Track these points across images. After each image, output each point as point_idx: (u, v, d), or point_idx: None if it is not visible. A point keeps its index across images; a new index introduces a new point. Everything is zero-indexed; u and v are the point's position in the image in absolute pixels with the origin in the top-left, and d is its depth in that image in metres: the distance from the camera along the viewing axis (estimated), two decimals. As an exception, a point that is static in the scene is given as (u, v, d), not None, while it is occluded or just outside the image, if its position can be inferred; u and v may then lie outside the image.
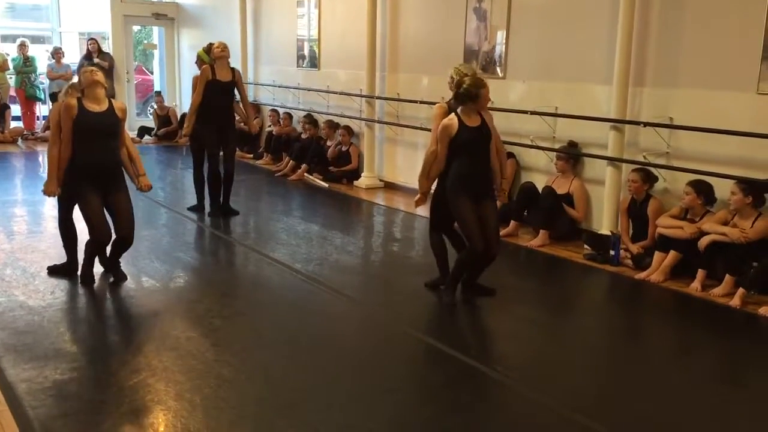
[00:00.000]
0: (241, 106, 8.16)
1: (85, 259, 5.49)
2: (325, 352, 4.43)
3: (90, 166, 5.21)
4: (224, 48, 7.69)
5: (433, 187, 5.35)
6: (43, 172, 5.45)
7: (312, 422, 3.53)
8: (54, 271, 5.66)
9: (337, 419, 3.58)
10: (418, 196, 5.30)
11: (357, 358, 4.41)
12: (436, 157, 5.12)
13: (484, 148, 5.13)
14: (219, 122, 7.66)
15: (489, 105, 5.28)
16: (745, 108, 5.82)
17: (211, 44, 7.91)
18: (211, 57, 7.73)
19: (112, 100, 5.36)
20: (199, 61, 8.05)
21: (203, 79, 7.64)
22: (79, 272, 5.52)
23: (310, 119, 10.79)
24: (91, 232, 5.35)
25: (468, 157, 5.06)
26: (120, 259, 5.58)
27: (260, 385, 3.95)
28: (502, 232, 7.09)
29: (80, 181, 5.25)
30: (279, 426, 3.51)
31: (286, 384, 3.97)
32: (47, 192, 5.35)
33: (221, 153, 7.78)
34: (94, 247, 5.46)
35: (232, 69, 7.79)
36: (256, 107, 12.63)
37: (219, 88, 7.62)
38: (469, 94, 5.00)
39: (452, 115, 5.10)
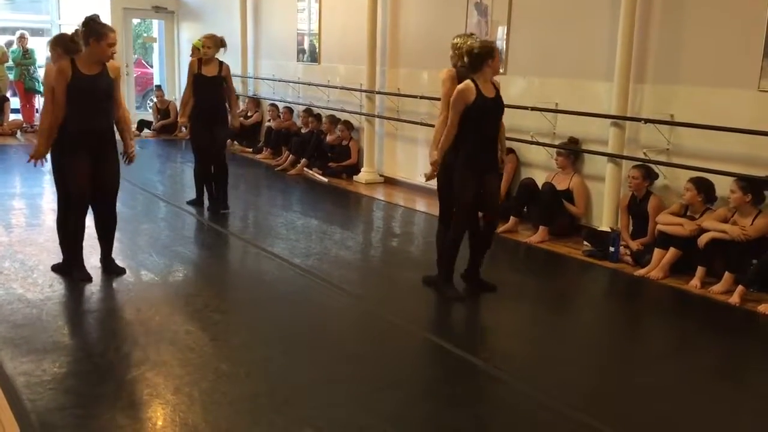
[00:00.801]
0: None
1: (71, 254, 5.36)
2: (323, 348, 4.42)
3: (83, 130, 5.13)
4: (208, 49, 7.56)
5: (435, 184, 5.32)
6: (42, 166, 5.40)
7: (310, 418, 3.52)
8: (57, 270, 5.59)
9: (335, 415, 3.57)
10: (429, 169, 5.19)
11: (356, 353, 4.40)
12: (446, 124, 4.98)
13: (495, 122, 5.04)
14: (207, 116, 7.62)
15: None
16: (746, 105, 5.82)
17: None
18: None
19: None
20: (195, 52, 8.02)
21: (190, 72, 7.68)
22: (74, 274, 5.41)
23: (311, 113, 10.78)
24: (71, 185, 5.20)
25: (479, 131, 4.95)
26: (112, 253, 5.56)
27: (259, 380, 3.94)
28: (502, 228, 7.13)
29: (72, 146, 5.14)
30: (277, 421, 3.50)
31: (284, 379, 3.96)
32: (35, 155, 5.20)
33: (212, 148, 7.70)
34: (76, 211, 5.27)
35: (220, 63, 7.70)
36: (256, 101, 12.62)
37: (204, 82, 7.59)
38: (485, 51, 4.89)
39: (468, 80, 4.93)
